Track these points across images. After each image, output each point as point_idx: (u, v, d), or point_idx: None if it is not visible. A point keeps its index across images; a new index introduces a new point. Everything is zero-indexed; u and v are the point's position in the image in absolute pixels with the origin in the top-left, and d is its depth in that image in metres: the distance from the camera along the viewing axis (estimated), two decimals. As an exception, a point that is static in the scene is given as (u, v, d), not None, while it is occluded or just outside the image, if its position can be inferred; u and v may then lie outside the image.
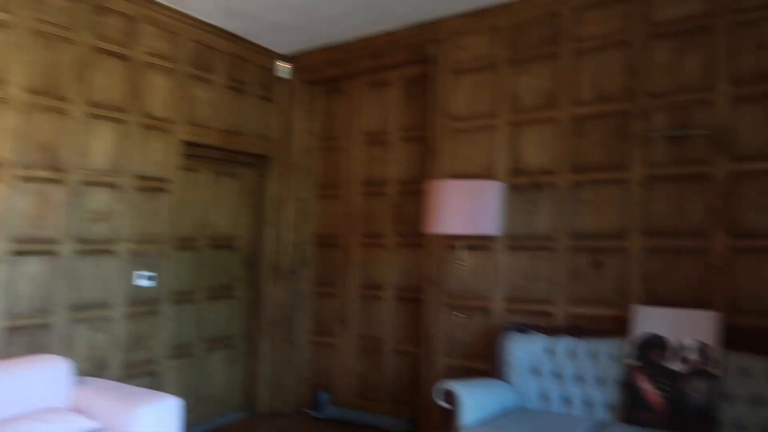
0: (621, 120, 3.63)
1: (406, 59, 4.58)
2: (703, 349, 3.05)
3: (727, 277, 3.25)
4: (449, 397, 3.25)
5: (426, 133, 4.46)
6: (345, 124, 5.05)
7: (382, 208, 4.79)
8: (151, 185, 4.02)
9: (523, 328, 3.67)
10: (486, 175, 4.07)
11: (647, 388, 3.13)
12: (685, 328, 3.14)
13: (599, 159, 3.70)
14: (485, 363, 3.96)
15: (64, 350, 3.49)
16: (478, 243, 4.08)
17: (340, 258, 4.98)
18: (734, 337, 3.11)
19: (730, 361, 3.01)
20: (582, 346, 3.44)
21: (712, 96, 3.36)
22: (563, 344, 3.50)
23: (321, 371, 5.01)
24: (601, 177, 3.67)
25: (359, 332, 4.84)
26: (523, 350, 3.57)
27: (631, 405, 3.16)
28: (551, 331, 3.62)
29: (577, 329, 3.53)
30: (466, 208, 3.70)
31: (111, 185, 3.79)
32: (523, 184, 3.94)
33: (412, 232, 4.60)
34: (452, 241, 4.17)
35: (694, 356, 3.06)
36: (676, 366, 3.09)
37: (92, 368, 3.65)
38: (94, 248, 3.69)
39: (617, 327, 3.50)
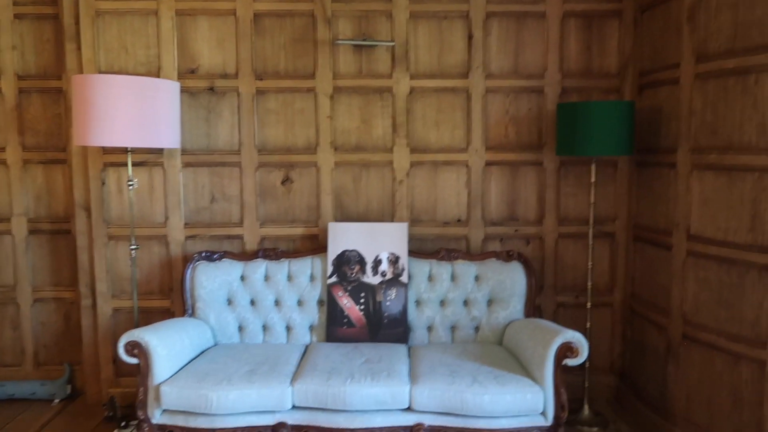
0: (306, 23, 3.33)
1: None
2: (394, 260, 3.18)
3: (408, 189, 3.43)
4: (136, 349, 2.65)
5: (58, 10, 3.34)
6: None
7: (-4, 111, 3.50)
8: None
9: (211, 256, 3.23)
10: (150, 74, 3.30)
11: (347, 303, 3.14)
12: (377, 241, 3.21)
13: (285, 65, 3.36)
14: (168, 300, 3.40)
15: None
16: (148, 158, 3.34)
17: (-74, 180, 3.51)
18: (415, 246, 3.37)
19: (417, 269, 3.23)
20: (278, 268, 3.22)
21: (393, 8, 3.34)
22: (257, 269, 3.22)
23: None
24: (288, 85, 3.36)
25: (-25, 281, 3.59)
26: (214, 280, 3.15)
27: (332, 323, 3.13)
28: (243, 256, 3.28)
29: (271, 251, 3.27)
30: (133, 113, 2.85)
31: None
32: (199, 89, 3.34)
33: (47, 145, 3.50)
34: (112, 156, 3.32)
35: (387, 267, 3.17)
36: (371, 279, 3.17)
37: None
38: None
39: (312, 245, 3.40)
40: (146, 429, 2.63)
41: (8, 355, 3.62)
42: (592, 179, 3.19)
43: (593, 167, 3.18)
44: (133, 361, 2.66)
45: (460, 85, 3.38)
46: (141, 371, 2.65)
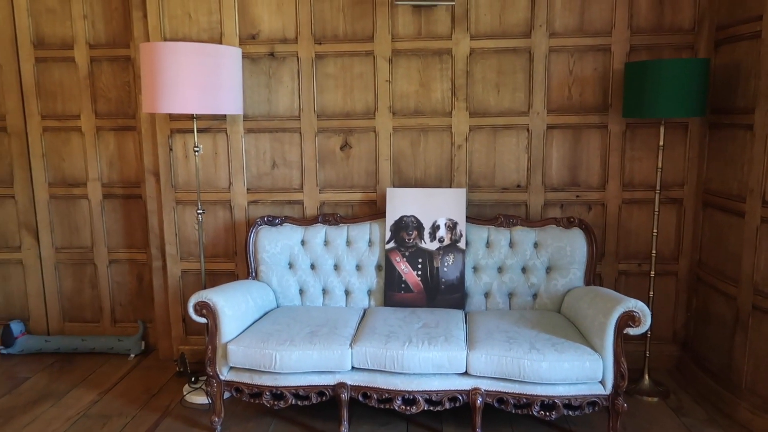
0: (365, -16, 3.30)
1: None
2: (452, 226, 3.18)
3: (467, 154, 3.39)
4: (205, 309, 2.78)
5: (124, -19, 3.43)
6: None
7: (70, 80, 3.65)
8: None
9: (273, 221, 3.32)
10: (212, 40, 3.36)
11: (405, 269, 3.18)
12: (435, 207, 3.21)
13: (343, 28, 3.34)
14: (232, 263, 3.54)
15: None
16: (211, 124, 3.44)
17: (17, 148, 3.72)
18: (473, 211, 3.35)
19: (475, 235, 3.22)
20: (337, 233, 3.28)
21: (455, -34, 3.25)
22: (317, 234, 3.29)
23: (7, 296, 3.89)
24: (346, 49, 3.35)
25: (57, 243, 3.83)
26: (276, 244, 3.24)
27: (390, 287, 3.18)
28: (303, 221, 3.36)
29: (330, 216, 3.33)
30: (198, 79, 2.88)
31: None
32: (260, 55, 3.38)
33: (117, 112, 3.65)
34: (178, 122, 3.43)
35: (445, 233, 3.18)
36: (429, 245, 3.18)
37: None
38: None
39: (371, 211, 3.44)
40: (215, 385, 2.78)
41: (88, 312, 3.89)
42: (661, 142, 3.06)
43: (662, 129, 3.05)
44: (202, 320, 2.80)
45: (522, 45, 3.28)
46: (209, 330, 2.78)
